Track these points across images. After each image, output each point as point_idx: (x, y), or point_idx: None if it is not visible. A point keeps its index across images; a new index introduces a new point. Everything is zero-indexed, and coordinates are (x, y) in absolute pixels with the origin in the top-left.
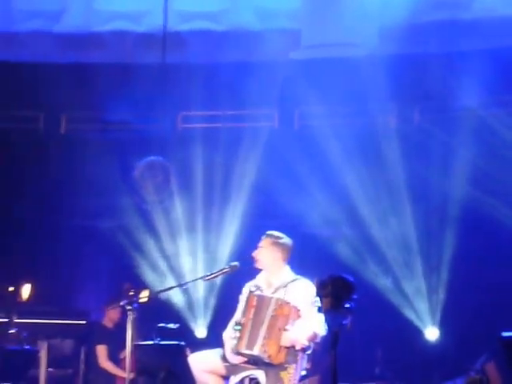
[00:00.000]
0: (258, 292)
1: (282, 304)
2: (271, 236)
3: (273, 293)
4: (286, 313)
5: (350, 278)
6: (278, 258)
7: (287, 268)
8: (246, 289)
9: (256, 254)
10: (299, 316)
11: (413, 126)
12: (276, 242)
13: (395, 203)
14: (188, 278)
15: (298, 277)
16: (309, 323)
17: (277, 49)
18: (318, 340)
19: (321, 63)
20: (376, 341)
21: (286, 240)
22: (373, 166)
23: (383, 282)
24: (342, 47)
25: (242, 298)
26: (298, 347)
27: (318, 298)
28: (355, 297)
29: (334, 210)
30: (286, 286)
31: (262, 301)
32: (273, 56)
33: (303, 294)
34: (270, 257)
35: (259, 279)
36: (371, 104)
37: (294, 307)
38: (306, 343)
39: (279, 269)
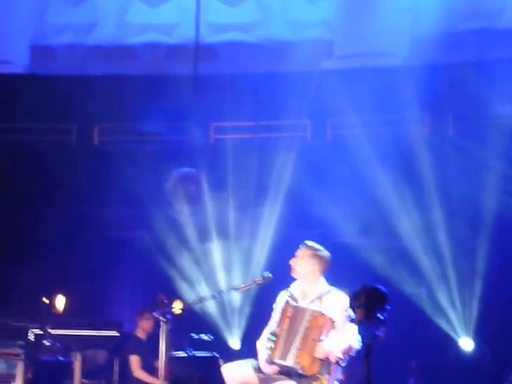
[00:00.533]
0: (293, 303)
1: (317, 315)
2: (311, 248)
3: (308, 304)
4: (320, 324)
5: (384, 289)
6: (315, 269)
7: (323, 280)
8: (281, 297)
9: (293, 263)
10: (334, 327)
11: (446, 135)
12: (315, 255)
13: (429, 213)
14: (222, 288)
15: (333, 288)
16: (344, 336)
17: (309, 59)
18: (352, 353)
19: (353, 73)
20: (410, 351)
21: (325, 253)
22: (406, 176)
23: (417, 293)
24: (375, 57)
25: (277, 307)
26: (332, 359)
27: (351, 311)
28: (389, 307)
29: (368, 220)
30: (321, 298)
31: (297, 312)
32: (305, 66)
33: (338, 305)
34: (307, 268)
35: (294, 289)
36: (404, 113)
37: (329, 318)
38: (341, 356)
39: (315, 280)
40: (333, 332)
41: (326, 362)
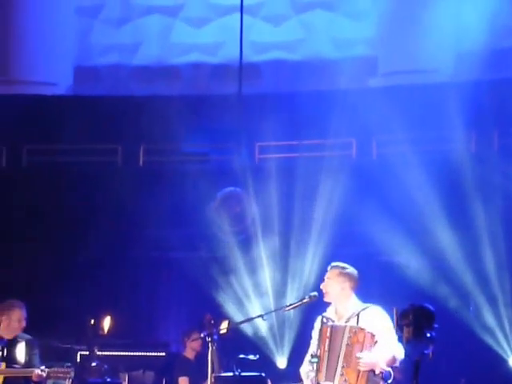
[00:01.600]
0: (330, 323)
1: (356, 331)
2: (337, 267)
3: (345, 323)
4: (360, 340)
5: (431, 307)
6: (346, 287)
7: (355, 297)
8: (317, 323)
9: (324, 286)
10: (375, 342)
11: (492, 152)
12: (342, 273)
13: (475, 232)
14: (269, 308)
15: (369, 305)
16: (386, 347)
17: (354, 77)
18: (397, 364)
19: (398, 90)
20: (459, 370)
21: (352, 269)
22: (453, 194)
23: (465, 312)
24: (420, 73)
25: (315, 333)
26: (377, 371)
27: (390, 321)
28: (436, 326)
29: (415, 239)
30: (358, 315)
31: (336, 331)
32: (350, 84)
33: (376, 320)
34: (338, 287)
35: (329, 312)
36: (450, 130)
37: (369, 333)
38: (385, 367)
39: (347, 298)
40: (376, 345)
41: (373, 380)
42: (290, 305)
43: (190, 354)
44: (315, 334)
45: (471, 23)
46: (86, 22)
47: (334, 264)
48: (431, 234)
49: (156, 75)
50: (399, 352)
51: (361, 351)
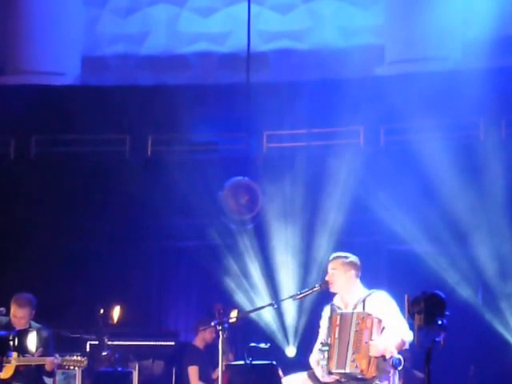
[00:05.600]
0: (339, 311)
1: (364, 317)
2: (339, 257)
3: (352, 310)
4: (368, 326)
5: (443, 295)
6: (351, 275)
7: (360, 284)
8: (325, 311)
9: (330, 277)
10: (382, 327)
11: (500, 139)
12: (346, 262)
13: (490, 217)
14: (279, 296)
15: (373, 290)
16: (394, 331)
17: (361, 65)
18: (406, 346)
19: (405, 78)
20: (469, 357)
21: (354, 257)
22: (461, 181)
23: (474, 298)
24: (427, 61)
25: (323, 322)
26: (387, 356)
27: (396, 305)
28: (448, 313)
29: (426, 226)
30: (364, 301)
31: (345, 318)
32: (357, 72)
33: (381, 304)
34: (344, 277)
35: (336, 301)
36: (458, 118)
37: (376, 318)
38: (395, 351)
39: (353, 287)
40: (384, 330)
41: (383, 366)
42: (301, 293)
43: (200, 343)
44: (324, 322)
45: (478, 10)
46: (94, 12)
47: (335, 254)
48: (441, 222)
49: (164, 65)
50: (407, 334)
51: (369, 337)
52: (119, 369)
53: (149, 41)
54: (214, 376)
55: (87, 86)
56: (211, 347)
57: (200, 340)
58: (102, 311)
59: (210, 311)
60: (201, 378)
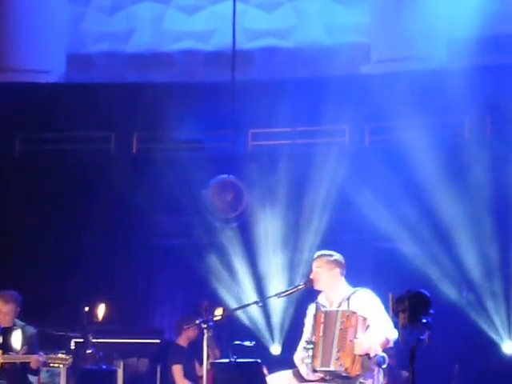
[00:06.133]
0: (324, 309)
1: (349, 315)
2: (324, 255)
3: (337, 308)
4: (353, 324)
5: (427, 293)
6: (336, 274)
7: (344, 282)
8: (310, 309)
9: (314, 275)
10: (367, 325)
11: (484, 138)
12: (331, 260)
13: (475, 216)
14: (264, 294)
15: (358, 288)
16: (378, 329)
17: (347, 63)
18: (391, 345)
19: (391, 77)
20: (453, 355)
21: (338, 255)
22: (446, 179)
23: (459, 296)
24: (412, 61)
25: (307, 320)
26: (372, 354)
27: (380, 303)
28: (432, 312)
29: (408, 225)
30: (348, 299)
31: (330, 316)
32: (343, 71)
33: (366, 302)
34: (329, 275)
35: (321, 299)
36: (443, 117)
37: (361, 316)
38: (380, 349)
39: (338, 284)
40: (368, 329)
41: (368, 364)
42: (286, 291)
43: (183, 341)
44: (308, 320)
45: (464, 9)
46: (79, 10)
47: (320, 253)
48: (426, 220)
49: (149, 63)
50: (392, 332)
51: (354, 335)
52: (104, 367)
53: (134, 39)
54: (199, 373)
55: (72, 83)
56: (196, 345)
57: (184, 338)
58: (87, 309)
59: (196, 309)
60: (186, 376)
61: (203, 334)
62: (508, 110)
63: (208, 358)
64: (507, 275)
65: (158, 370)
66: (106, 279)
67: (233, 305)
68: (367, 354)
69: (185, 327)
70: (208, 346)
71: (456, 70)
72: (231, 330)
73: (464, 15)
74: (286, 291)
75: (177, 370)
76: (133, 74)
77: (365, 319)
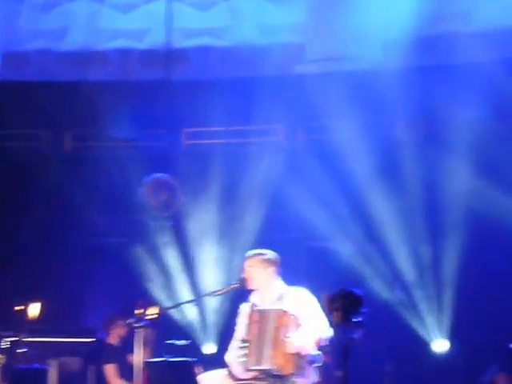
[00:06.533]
0: (257, 308)
1: (283, 314)
2: (257, 254)
3: (271, 306)
4: (287, 322)
5: (360, 292)
6: (270, 272)
7: (279, 280)
8: (244, 308)
9: (247, 274)
10: (299, 324)
11: (418, 138)
12: (265, 259)
13: (407, 216)
14: (198, 293)
15: (292, 287)
16: (312, 328)
17: (281, 63)
18: (324, 343)
19: (325, 77)
20: (385, 354)
21: (272, 253)
22: (380, 179)
23: (391, 295)
24: (346, 61)
25: (240, 319)
26: (304, 353)
27: (315, 302)
28: (365, 310)
29: (342, 224)
30: (281, 298)
31: (263, 315)
32: (277, 70)
33: (301, 301)
34: (263, 274)
35: (254, 298)
36: (377, 117)
37: (293, 316)
38: (313, 348)
39: (272, 283)
40: (301, 328)
41: (301, 363)
42: (219, 290)
43: (114, 340)
44: (241, 319)
45: (399, 10)
46: (14, 7)
47: (253, 252)
48: (360, 219)
49: (84, 61)
50: (326, 331)
51: (288, 334)
52: (36, 366)
53: (69, 36)
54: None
55: (7, 81)
56: (129, 344)
57: (113, 337)
58: (20, 308)
59: (127, 308)
60: (122, 375)
61: (136, 333)
62: (441, 111)
63: (142, 357)
64: (439, 275)
65: (91, 369)
66: (43, 278)
67: (168, 304)
68: (300, 353)
69: (111, 326)
70: (145, 345)
71: (390, 70)
72: (166, 329)
73: (399, 16)
74: (220, 290)
75: (109, 370)
76: (68, 72)
77: (298, 318)
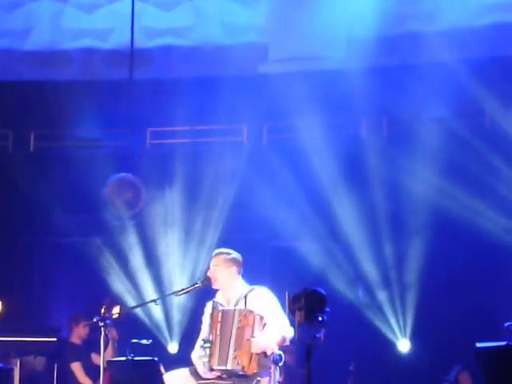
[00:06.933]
0: (221, 307)
1: (246, 314)
2: (222, 253)
3: (234, 306)
4: (250, 322)
5: (323, 292)
6: (233, 272)
7: (242, 280)
8: (208, 308)
9: (212, 273)
10: (264, 323)
11: (381, 138)
12: (228, 258)
13: (371, 217)
14: (162, 292)
15: (254, 286)
16: (276, 328)
17: (245, 63)
18: (287, 343)
19: (289, 77)
20: (349, 353)
21: (236, 254)
22: (344, 179)
23: (355, 295)
24: (310, 60)
25: (205, 318)
26: (268, 352)
27: (277, 302)
28: (328, 310)
29: (307, 223)
30: (245, 298)
31: (226, 315)
32: (241, 70)
33: (262, 301)
34: (226, 273)
35: (218, 297)
36: (341, 117)
37: (258, 315)
38: (276, 347)
39: (235, 283)
40: (265, 328)
41: (264, 363)
42: (183, 289)
43: (76, 339)
44: (206, 319)
45: (362, 10)
46: None
47: (217, 251)
48: (323, 219)
49: (47, 60)
50: (288, 331)
51: (251, 334)
52: (0, 365)
53: (32, 36)
54: (94, 361)
55: None
56: (93, 343)
57: (75, 336)
58: None
59: (94, 307)
60: (86, 373)
61: (100, 333)
62: (404, 111)
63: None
64: (402, 275)
65: (55, 368)
66: (3, 277)
67: (131, 303)
68: (264, 353)
69: (74, 325)
70: (109, 344)
71: (354, 70)
72: (129, 328)
73: (362, 16)
74: (184, 289)
75: (76, 368)
76: (31, 72)
77: (262, 318)
